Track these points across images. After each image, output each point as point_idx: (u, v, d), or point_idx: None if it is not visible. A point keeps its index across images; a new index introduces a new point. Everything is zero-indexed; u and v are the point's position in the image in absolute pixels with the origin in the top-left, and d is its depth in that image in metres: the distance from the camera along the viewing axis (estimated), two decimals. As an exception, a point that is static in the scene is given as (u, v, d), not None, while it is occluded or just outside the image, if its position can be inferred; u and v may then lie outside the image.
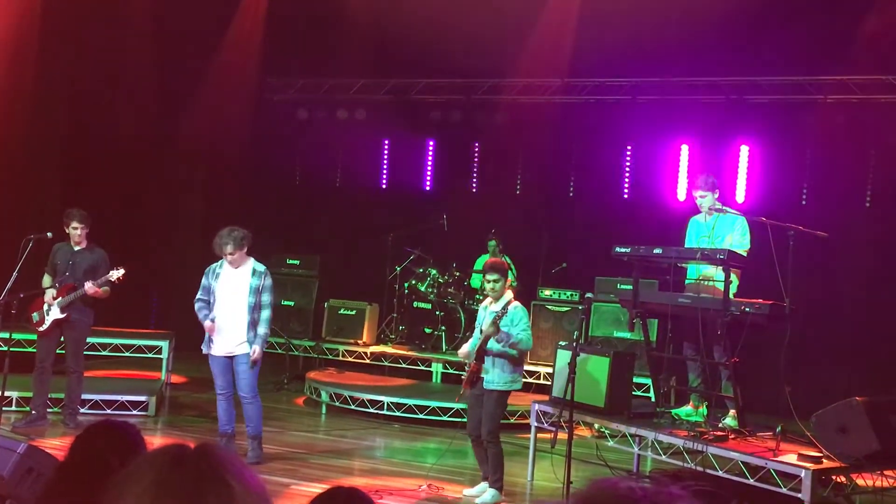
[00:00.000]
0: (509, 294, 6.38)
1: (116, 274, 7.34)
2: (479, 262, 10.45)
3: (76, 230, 7.46)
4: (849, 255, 9.68)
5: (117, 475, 1.42)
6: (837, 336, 9.71)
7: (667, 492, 1.30)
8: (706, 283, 6.76)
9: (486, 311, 6.42)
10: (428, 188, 12.33)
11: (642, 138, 11.00)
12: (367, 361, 10.36)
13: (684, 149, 10.78)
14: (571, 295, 9.99)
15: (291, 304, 10.94)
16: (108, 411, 8.05)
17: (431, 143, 12.27)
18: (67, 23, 10.00)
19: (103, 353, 9.07)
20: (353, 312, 10.72)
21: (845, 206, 10.00)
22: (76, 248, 7.53)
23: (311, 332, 10.90)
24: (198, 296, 6.94)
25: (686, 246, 6.96)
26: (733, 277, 6.42)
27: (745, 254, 6.62)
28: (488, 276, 6.35)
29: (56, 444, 6.36)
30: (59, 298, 7.38)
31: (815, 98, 10.17)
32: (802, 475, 5.33)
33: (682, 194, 10.45)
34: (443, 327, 10.34)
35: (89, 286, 7.32)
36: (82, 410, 7.77)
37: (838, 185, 10.14)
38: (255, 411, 6.88)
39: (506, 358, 6.19)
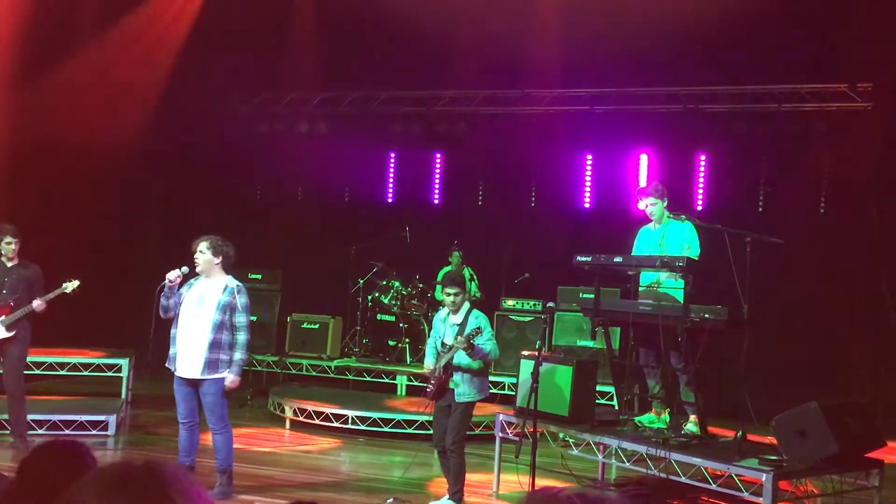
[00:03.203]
0: (467, 305, 6.39)
1: (70, 286, 7.13)
2: (442, 274, 10.44)
3: (10, 245, 7.17)
4: (804, 261, 9.83)
5: (63, 496, 1.38)
6: (795, 340, 9.85)
7: (604, 498, 1.29)
8: (660, 289, 6.81)
9: (446, 324, 6.42)
10: (391, 200, 12.34)
11: (602, 148, 11.11)
12: (332, 375, 10.30)
13: (643, 158, 10.90)
14: (534, 305, 10.03)
15: (254, 319, 10.71)
16: (67, 432, 7.88)
17: (393, 155, 12.28)
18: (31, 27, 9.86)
19: (61, 372, 8.90)
20: (317, 326, 10.64)
21: (801, 213, 10.17)
22: (9, 265, 7.24)
23: (274, 346, 10.80)
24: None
25: (634, 254, 7.01)
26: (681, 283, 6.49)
27: (696, 258, 6.68)
28: (448, 290, 6.33)
29: (11, 466, 6.21)
30: (3, 317, 7.14)
31: (769, 107, 10.34)
32: (763, 479, 5.37)
33: (642, 203, 10.53)
34: (407, 339, 10.34)
35: (38, 303, 7.11)
36: (40, 431, 7.59)
37: (794, 192, 10.30)
38: (225, 442, 6.17)
39: (473, 372, 6.22)
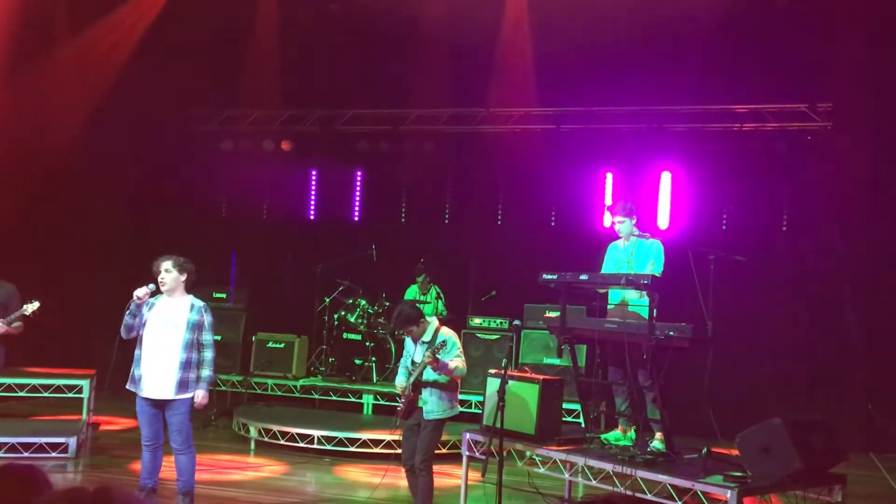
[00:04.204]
0: (434, 322, 6.43)
1: (31, 308, 7.03)
2: (410, 292, 10.48)
3: None
4: (766, 278, 9.96)
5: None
6: (758, 356, 9.95)
7: None
8: (629, 308, 6.86)
9: (416, 342, 6.42)
10: (356, 218, 12.33)
11: (567, 166, 11.17)
12: (297, 395, 10.21)
13: (609, 176, 11.01)
14: (501, 323, 10.06)
15: (219, 338, 10.59)
16: (27, 455, 7.73)
17: (359, 173, 12.29)
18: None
19: (20, 393, 8.72)
20: (282, 345, 10.57)
21: (763, 231, 10.31)
22: None
23: (239, 366, 10.69)
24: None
25: (603, 271, 7.08)
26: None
27: (659, 275, 6.74)
28: (403, 330, 6.38)
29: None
30: None
31: (731, 126, 10.50)
32: (728, 496, 5.40)
33: (607, 221, 10.61)
34: (373, 358, 10.29)
35: None
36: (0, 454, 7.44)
37: (756, 210, 10.45)
38: (188, 463, 6.11)
39: (441, 387, 6.24)
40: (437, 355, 6.07)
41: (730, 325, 8.16)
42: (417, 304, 7.32)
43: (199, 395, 6.06)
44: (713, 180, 10.59)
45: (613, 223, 7.13)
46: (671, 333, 6.14)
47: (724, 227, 10.56)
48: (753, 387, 9.69)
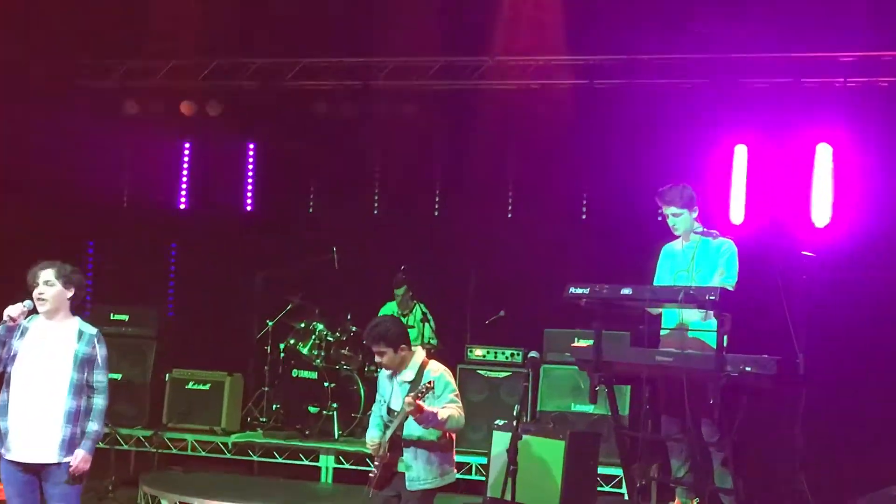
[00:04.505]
0: (419, 355, 6.46)
1: None
2: (386, 312, 10.45)
3: None
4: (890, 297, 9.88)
5: None
6: (870, 403, 9.88)
7: None
8: (690, 334, 6.88)
9: (395, 382, 6.46)
10: (311, 210, 12.32)
11: (604, 137, 11.10)
12: (229, 455, 10.18)
13: (661, 151, 10.93)
14: (512, 355, 9.99)
15: (118, 377, 10.58)
16: None
17: (309, 148, 12.28)
18: None
19: None
20: (207, 387, 10.52)
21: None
22: None
23: (147, 416, 10.61)
24: None
25: (655, 283, 7.12)
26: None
27: (731, 289, 6.80)
28: (374, 348, 6.39)
29: None
30: None
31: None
32: None
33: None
34: (334, 405, 10.23)
35: None
36: None
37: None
38: None
39: (430, 446, 6.25)
40: (422, 401, 6.03)
41: (830, 359, 8.15)
42: None
43: (79, 456, 5.90)
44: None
45: (666, 217, 7.15)
46: (748, 369, 6.14)
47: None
48: (863, 442, 9.66)
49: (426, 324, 10.51)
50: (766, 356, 6.15)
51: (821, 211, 10.42)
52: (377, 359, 6.41)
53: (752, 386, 6.15)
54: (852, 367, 9.67)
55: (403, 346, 6.34)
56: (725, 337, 6.38)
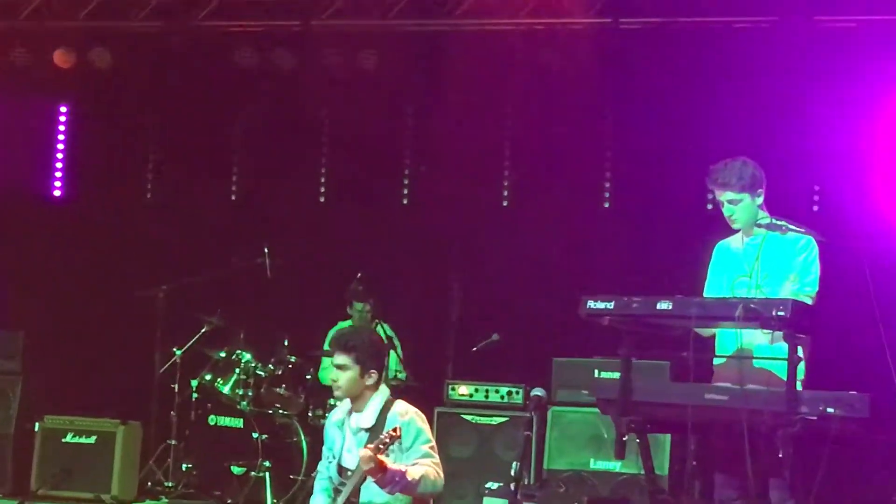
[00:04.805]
0: (383, 393, 6.57)
1: None
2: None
3: None
4: None
5: None
6: None
7: None
8: (754, 364, 6.93)
9: (344, 431, 6.58)
10: (234, 197, 12.51)
11: (633, 95, 11.22)
12: (122, 533, 10.24)
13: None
14: (509, 394, 10.03)
15: (-31, 427, 10.72)
16: None
17: (229, 112, 12.40)
18: None
19: None
20: (93, 440, 10.51)
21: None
22: None
23: (9, 481, 10.65)
24: None
25: (708, 294, 7.13)
26: (799, 351, 6.45)
27: (810, 300, 6.84)
28: (334, 360, 6.51)
29: None
30: None
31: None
32: None
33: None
34: (266, 463, 10.23)
35: None
36: None
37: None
38: None
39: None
40: (385, 455, 6.12)
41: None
42: None
43: None
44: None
45: (720, 204, 7.16)
46: (830, 410, 6.18)
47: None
48: None
49: (391, 351, 10.45)
50: (854, 393, 6.15)
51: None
52: (332, 376, 6.51)
53: (836, 433, 6.09)
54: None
55: (374, 371, 6.47)
56: (801, 367, 6.44)
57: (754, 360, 6.85)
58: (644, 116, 11.23)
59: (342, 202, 12.29)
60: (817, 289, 6.90)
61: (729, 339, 7.07)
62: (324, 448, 6.76)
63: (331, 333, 10.46)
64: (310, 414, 10.45)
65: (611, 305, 6.72)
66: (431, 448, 6.39)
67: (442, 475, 6.42)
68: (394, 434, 6.13)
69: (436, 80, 11.72)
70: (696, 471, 7.01)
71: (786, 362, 6.39)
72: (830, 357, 6.78)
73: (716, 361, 7.08)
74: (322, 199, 12.32)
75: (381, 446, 6.07)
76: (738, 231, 7.19)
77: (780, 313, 6.28)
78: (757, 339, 6.88)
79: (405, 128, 12.22)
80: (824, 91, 10.61)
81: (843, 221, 9.80)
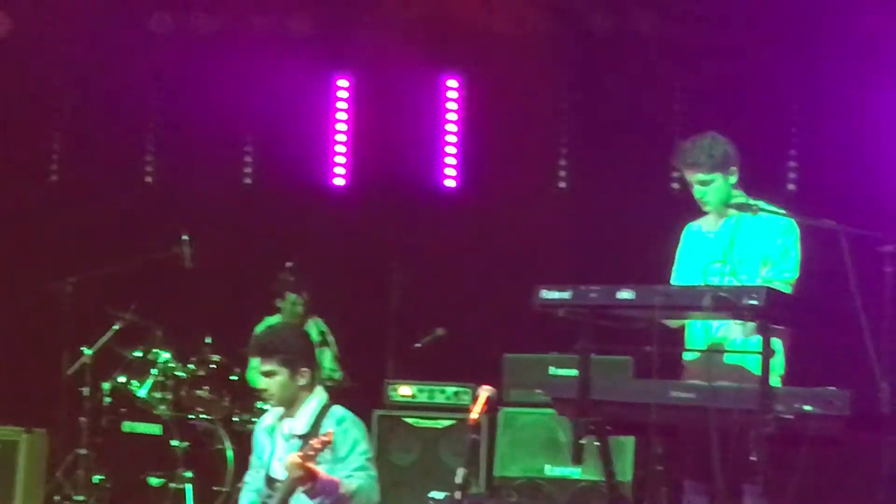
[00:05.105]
0: (319, 395, 6.69)
1: None
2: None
3: None
4: None
5: None
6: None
7: None
8: (723, 358, 6.89)
9: (277, 436, 6.67)
10: (149, 179, 12.52)
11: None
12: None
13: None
14: (456, 394, 10.09)
15: None
16: None
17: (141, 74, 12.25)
18: None
19: None
20: (-8, 450, 10.42)
21: None
22: None
23: None
24: None
25: (678, 282, 7.13)
26: (777, 344, 6.53)
27: (789, 288, 6.88)
28: (260, 366, 6.61)
29: None
30: None
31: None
32: None
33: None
34: (187, 473, 10.18)
35: None
36: None
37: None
38: None
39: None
40: (314, 463, 6.16)
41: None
42: None
43: None
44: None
45: (689, 186, 7.14)
46: (807, 408, 6.13)
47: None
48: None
49: (325, 349, 10.48)
50: (833, 389, 6.06)
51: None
52: (262, 385, 6.65)
53: (813, 433, 6.08)
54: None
55: (305, 370, 6.55)
56: (780, 362, 6.49)
57: (726, 356, 6.89)
58: (601, 89, 11.34)
59: (270, 185, 12.30)
60: (798, 275, 6.93)
61: (701, 333, 7.09)
62: (252, 456, 6.88)
63: (258, 328, 10.39)
64: (236, 419, 10.38)
65: (567, 295, 6.67)
66: (369, 460, 6.52)
67: (378, 490, 6.59)
68: (325, 440, 6.20)
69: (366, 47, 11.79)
70: (663, 476, 6.92)
71: (758, 355, 6.33)
72: (812, 351, 6.73)
73: (686, 357, 7.09)
74: (247, 182, 12.32)
75: (310, 453, 6.16)
76: (707, 213, 7.21)
77: (752, 302, 6.17)
78: (732, 332, 6.88)
79: (339, 103, 12.23)
80: (796, 59, 10.65)
81: (822, 201, 9.76)
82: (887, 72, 10.65)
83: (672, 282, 7.16)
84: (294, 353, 6.57)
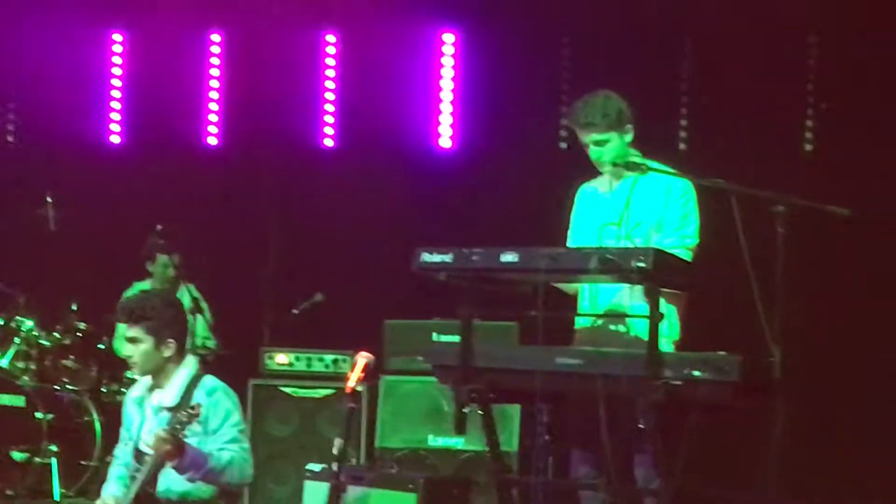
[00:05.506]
0: (189, 366, 6.68)
1: None
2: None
3: None
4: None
5: None
6: (871, 405, 10.05)
7: None
8: (614, 327, 6.93)
9: (146, 407, 6.68)
10: (10, 138, 12.60)
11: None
12: None
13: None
14: (335, 362, 10.03)
15: None
16: None
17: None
18: None
19: None
20: None
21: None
22: None
23: None
24: None
25: (571, 244, 7.12)
26: (670, 309, 6.58)
27: (690, 255, 6.88)
28: (128, 331, 6.58)
29: None
30: None
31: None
32: None
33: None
34: (52, 447, 9.99)
35: None
36: None
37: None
38: None
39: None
40: (183, 435, 6.13)
41: (817, 352, 8.21)
42: None
43: None
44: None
45: (584, 146, 7.12)
46: (697, 374, 6.08)
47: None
48: (866, 472, 9.82)
49: (198, 315, 10.32)
50: (723, 353, 6.06)
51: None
52: (126, 351, 6.62)
53: (703, 399, 6.09)
54: (859, 364, 9.79)
55: (171, 341, 6.52)
56: (675, 328, 6.60)
57: (613, 322, 7.03)
58: (488, 38, 11.30)
59: (140, 144, 12.22)
60: (698, 241, 7.02)
61: (595, 298, 7.13)
62: (121, 429, 6.85)
63: (126, 294, 10.23)
64: (103, 389, 10.25)
65: (448, 258, 6.65)
66: (241, 432, 6.52)
67: (251, 462, 6.56)
68: (192, 412, 6.15)
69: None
70: (550, 447, 6.85)
71: (647, 320, 6.34)
72: (706, 316, 6.67)
73: (578, 325, 7.12)
74: (116, 140, 12.20)
75: (178, 426, 6.12)
76: (602, 174, 7.26)
77: (639, 264, 6.16)
78: (630, 298, 6.90)
79: (212, 59, 12.24)
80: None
81: (713, 161, 9.75)
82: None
83: (568, 245, 7.17)
84: (161, 321, 6.52)
